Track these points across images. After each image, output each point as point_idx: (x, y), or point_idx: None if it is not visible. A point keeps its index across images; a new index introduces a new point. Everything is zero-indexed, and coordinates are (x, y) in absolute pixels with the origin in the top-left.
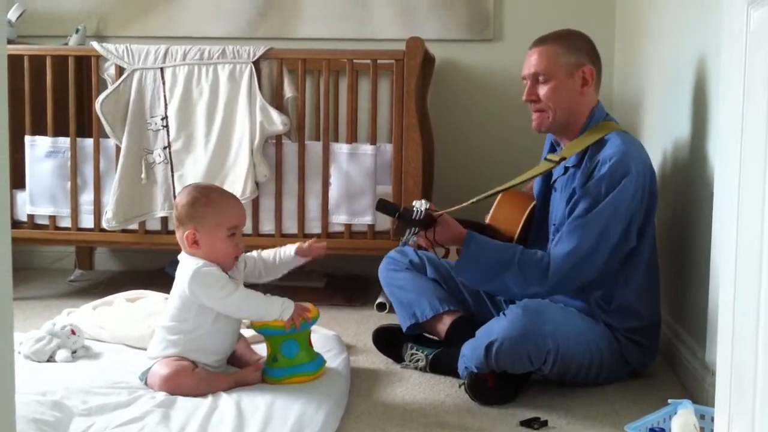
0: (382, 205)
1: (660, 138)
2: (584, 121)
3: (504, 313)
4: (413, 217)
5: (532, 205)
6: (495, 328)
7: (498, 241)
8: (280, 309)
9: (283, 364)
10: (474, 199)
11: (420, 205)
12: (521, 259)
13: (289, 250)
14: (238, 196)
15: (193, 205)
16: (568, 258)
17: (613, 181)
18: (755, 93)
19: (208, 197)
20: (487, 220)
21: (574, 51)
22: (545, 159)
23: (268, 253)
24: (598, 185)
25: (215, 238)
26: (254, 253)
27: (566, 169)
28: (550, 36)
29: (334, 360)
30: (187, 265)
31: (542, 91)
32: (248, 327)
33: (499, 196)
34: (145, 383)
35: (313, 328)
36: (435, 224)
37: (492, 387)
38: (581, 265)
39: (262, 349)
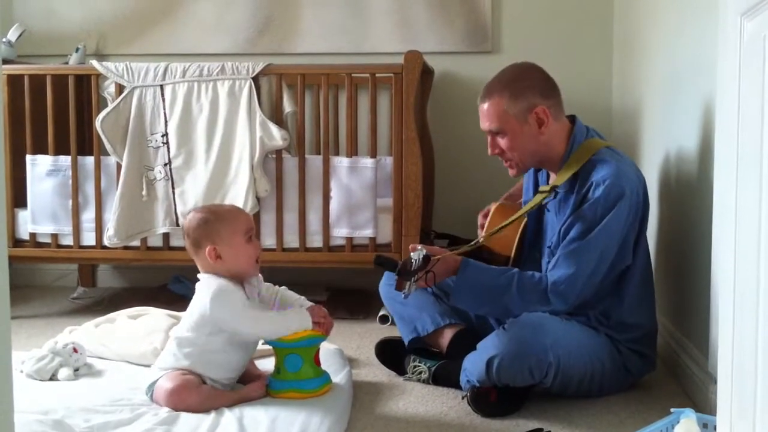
0: (380, 261)
1: (660, 146)
2: (563, 149)
3: (504, 327)
4: (412, 268)
5: (524, 223)
6: (495, 343)
7: (494, 266)
8: (297, 325)
9: (285, 377)
10: (472, 243)
11: (417, 254)
12: (519, 283)
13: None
14: None
15: (206, 224)
16: (568, 282)
17: (608, 204)
18: (750, 103)
19: (216, 213)
20: (481, 237)
21: (521, 95)
22: (538, 192)
23: (287, 294)
24: (593, 208)
25: (236, 245)
26: (277, 287)
27: (556, 191)
28: (494, 85)
29: (336, 374)
30: (207, 284)
31: (503, 144)
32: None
33: (491, 212)
34: (151, 397)
35: None
36: (431, 263)
37: (494, 401)
38: (582, 289)
39: (267, 365)
